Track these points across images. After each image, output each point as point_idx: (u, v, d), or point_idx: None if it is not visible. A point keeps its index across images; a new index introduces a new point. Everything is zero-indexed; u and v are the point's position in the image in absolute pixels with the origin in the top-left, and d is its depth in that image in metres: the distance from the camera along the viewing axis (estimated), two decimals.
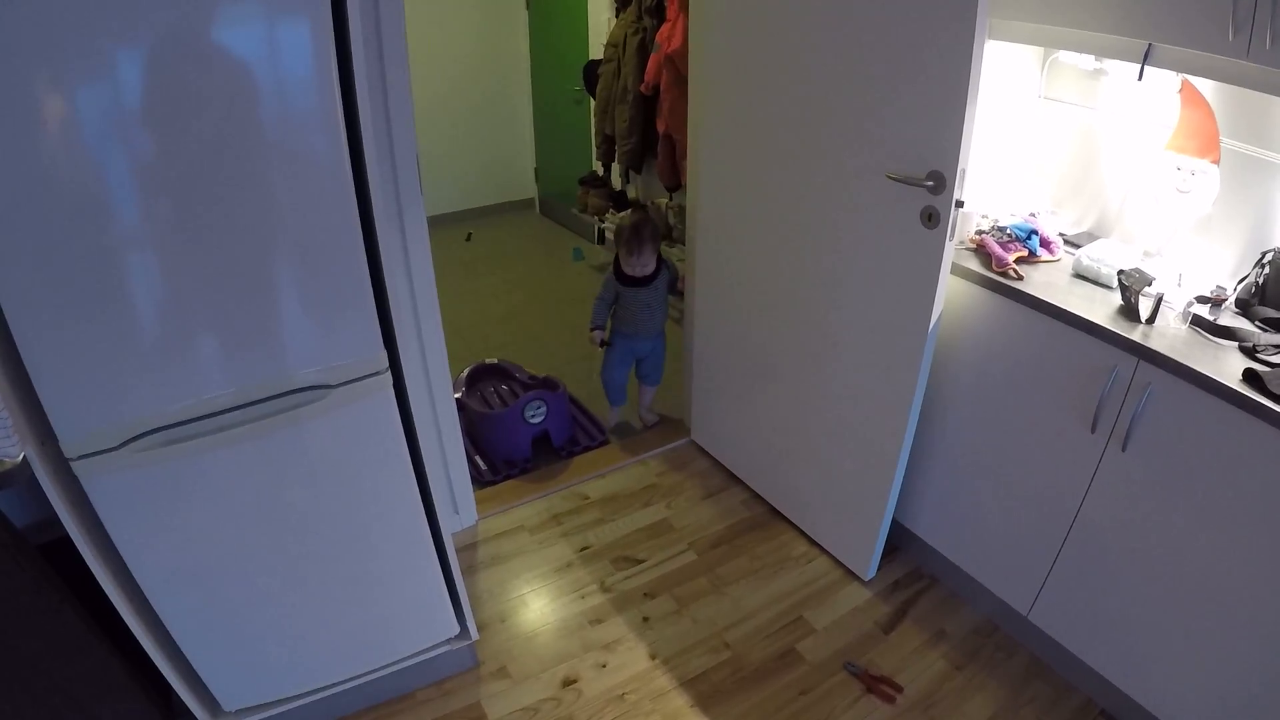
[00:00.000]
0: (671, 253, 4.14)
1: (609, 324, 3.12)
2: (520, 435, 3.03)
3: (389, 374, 1.67)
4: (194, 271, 1.41)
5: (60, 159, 1.24)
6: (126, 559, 1.57)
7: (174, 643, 1.72)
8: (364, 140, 1.49)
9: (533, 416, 3.02)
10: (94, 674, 1.67)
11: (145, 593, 1.63)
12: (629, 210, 4.50)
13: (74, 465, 1.43)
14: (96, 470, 1.46)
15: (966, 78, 1.70)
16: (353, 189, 1.48)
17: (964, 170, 1.81)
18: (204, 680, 1.81)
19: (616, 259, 3.03)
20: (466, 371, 3.34)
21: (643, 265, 2.96)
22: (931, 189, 1.86)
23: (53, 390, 1.37)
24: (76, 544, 1.49)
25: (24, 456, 1.38)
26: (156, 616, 1.67)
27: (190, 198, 1.35)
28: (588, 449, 3.18)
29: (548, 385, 3.19)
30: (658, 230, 3.10)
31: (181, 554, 1.63)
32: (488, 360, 3.44)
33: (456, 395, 3.16)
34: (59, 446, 1.41)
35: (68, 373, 1.37)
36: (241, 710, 1.91)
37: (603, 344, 3.11)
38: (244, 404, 1.55)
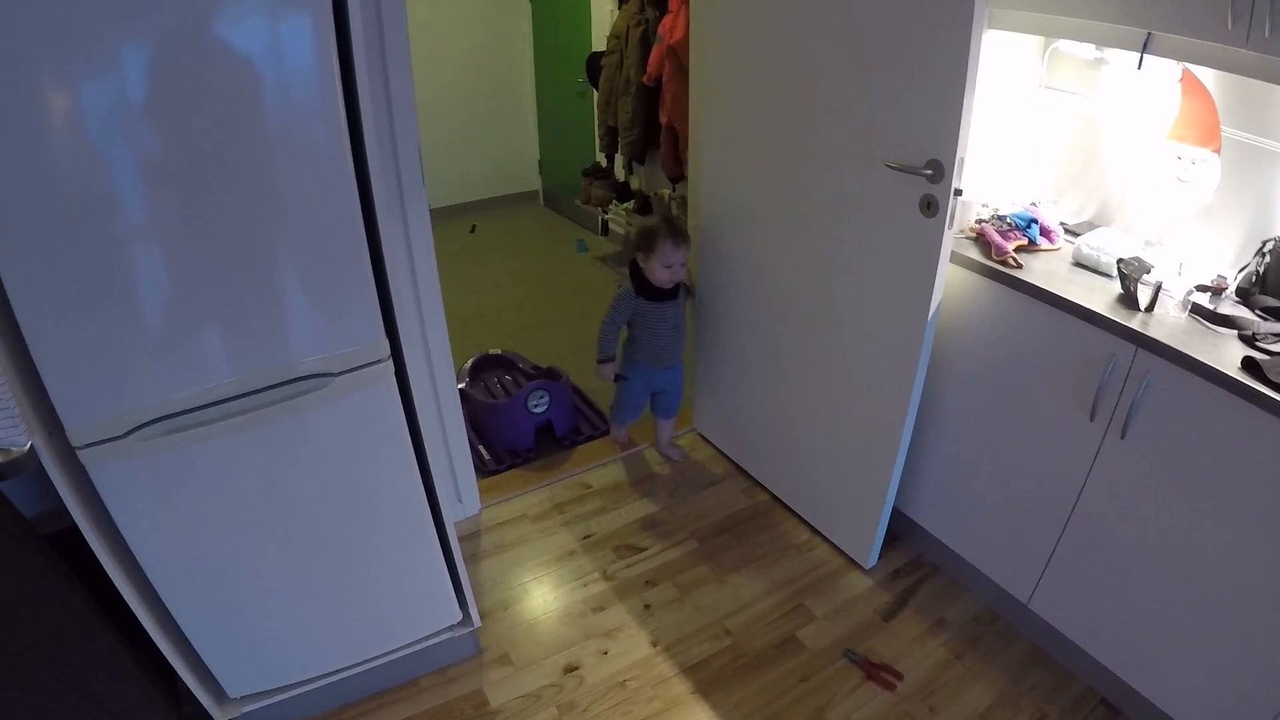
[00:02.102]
0: None
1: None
2: (523, 425, 3.05)
3: (390, 362, 1.69)
4: (197, 262, 1.43)
5: (66, 152, 1.25)
6: (132, 547, 1.59)
7: (180, 630, 1.74)
8: (365, 133, 1.50)
9: (535, 406, 3.03)
10: (101, 661, 1.68)
11: (151, 580, 1.65)
12: (646, 213, 4.47)
13: (80, 454, 1.45)
14: (102, 458, 1.47)
15: (965, 67, 1.70)
16: (354, 181, 1.49)
17: (962, 159, 1.82)
18: (209, 667, 1.83)
19: (635, 272, 2.68)
20: (470, 362, 3.35)
21: (681, 264, 2.61)
22: (930, 177, 1.86)
23: (59, 380, 1.39)
24: (83, 532, 1.50)
25: (31, 445, 1.39)
26: (162, 604, 1.69)
27: (193, 190, 1.37)
28: (590, 438, 3.19)
29: (550, 375, 3.20)
30: None
31: (186, 542, 1.65)
32: (491, 351, 3.46)
33: (460, 385, 3.16)
34: (65, 435, 1.43)
35: (74, 362, 1.39)
36: (246, 696, 1.93)
37: (617, 379, 2.84)
38: (247, 392, 1.56)
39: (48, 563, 1.56)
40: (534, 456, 3.08)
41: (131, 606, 1.62)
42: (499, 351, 3.46)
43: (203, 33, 1.28)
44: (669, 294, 2.67)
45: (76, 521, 1.49)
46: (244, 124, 1.37)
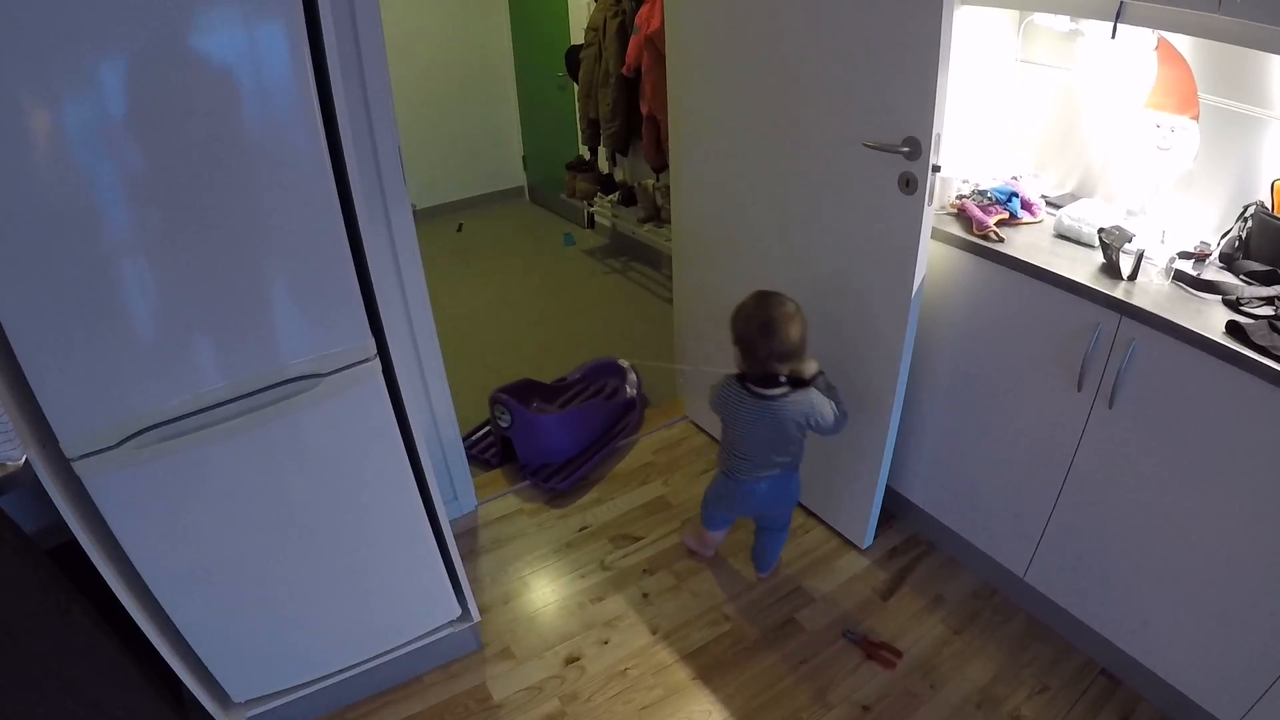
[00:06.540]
0: (660, 233, 4.16)
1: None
2: (494, 430, 3.00)
3: (377, 361, 1.69)
4: (183, 271, 1.43)
5: (50, 168, 1.25)
6: (131, 555, 1.59)
7: (182, 637, 1.75)
8: (342, 136, 1.50)
9: (499, 418, 2.96)
10: (105, 671, 1.69)
11: (151, 588, 1.65)
12: (631, 205, 4.45)
13: (75, 465, 1.45)
14: (97, 469, 1.47)
15: (937, 42, 1.70)
16: (333, 184, 1.50)
17: (939, 135, 1.82)
18: (212, 672, 1.83)
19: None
20: (592, 363, 3.40)
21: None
22: (907, 155, 1.87)
23: (51, 393, 1.39)
24: (81, 542, 1.50)
25: (26, 459, 1.40)
26: (163, 612, 1.70)
27: (176, 201, 1.37)
28: (553, 490, 2.87)
29: (628, 406, 3.20)
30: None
31: (184, 548, 1.65)
32: (621, 361, 3.42)
33: (565, 377, 3.27)
34: (60, 448, 1.43)
35: (65, 375, 1.39)
36: (251, 700, 1.94)
37: None
38: (238, 396, 1.57)
39: (48, 576, 1.56)
40: (495, 465, 3.01)
41: (133, 616, 1.63)
42: (625, 363, 3.41)
43: (178, 45, 1.28)
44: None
45: (74, 533, 1.49)
46: (222, 133, 1.37)
